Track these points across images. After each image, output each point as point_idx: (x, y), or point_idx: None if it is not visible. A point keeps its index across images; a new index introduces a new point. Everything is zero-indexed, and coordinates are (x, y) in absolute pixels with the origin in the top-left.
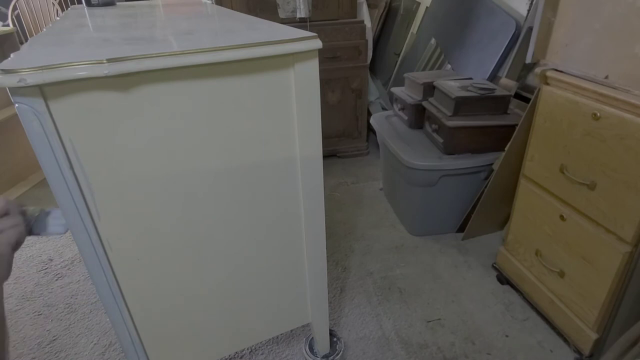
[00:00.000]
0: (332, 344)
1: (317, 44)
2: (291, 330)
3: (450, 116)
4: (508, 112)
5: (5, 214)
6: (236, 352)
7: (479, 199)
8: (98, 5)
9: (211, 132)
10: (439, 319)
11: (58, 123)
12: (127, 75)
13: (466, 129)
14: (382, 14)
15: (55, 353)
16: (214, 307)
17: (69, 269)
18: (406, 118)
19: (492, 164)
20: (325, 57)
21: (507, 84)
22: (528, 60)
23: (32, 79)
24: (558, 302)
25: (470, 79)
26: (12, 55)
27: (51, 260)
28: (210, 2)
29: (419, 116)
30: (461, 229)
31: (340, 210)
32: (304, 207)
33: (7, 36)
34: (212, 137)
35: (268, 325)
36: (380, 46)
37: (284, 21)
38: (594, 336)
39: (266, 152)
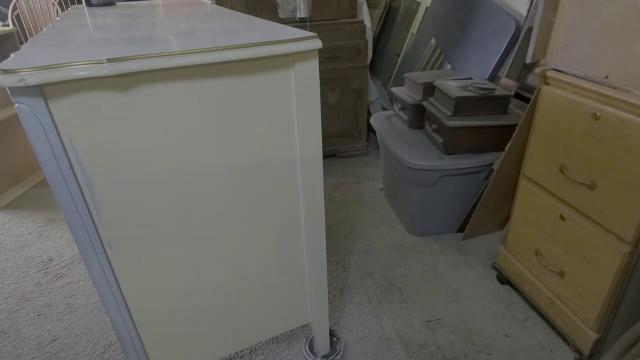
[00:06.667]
0: (332, 344)
1: (317, 44)
2: (291, 330)
3: (450, 116)
4: (508, 112)
5: None
6: (236, 352)
7: (479, 199)
8: (98, 5)
9: (211, 132)
10: (439, 319)
11: (58, 123)
12: (127, 75)
13: (466, 129)
14: (382, 14)
15: (55, 353)
16: (214, 307)
17: (69, 269)
18: (406, 118)
19: (492, 164)
20: (325, 57)
21: (507, 84)
22: (528, 60)
23: (32, 79)
24: (558, 302)
25: (470, 79)
26: (12, 55)
27: (51, 260)
28: (210, 2)
29: (419, 116)
30: (461, 229)
31: (340, 210)
32: (304, 207)
33: (7, 36)
34: (211, 136)
35: (268, 325)
36: (380, 46)
37: (284, 21)
38: (594, 336)
39: (266, 152)
